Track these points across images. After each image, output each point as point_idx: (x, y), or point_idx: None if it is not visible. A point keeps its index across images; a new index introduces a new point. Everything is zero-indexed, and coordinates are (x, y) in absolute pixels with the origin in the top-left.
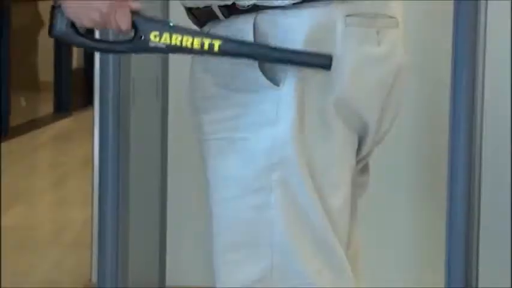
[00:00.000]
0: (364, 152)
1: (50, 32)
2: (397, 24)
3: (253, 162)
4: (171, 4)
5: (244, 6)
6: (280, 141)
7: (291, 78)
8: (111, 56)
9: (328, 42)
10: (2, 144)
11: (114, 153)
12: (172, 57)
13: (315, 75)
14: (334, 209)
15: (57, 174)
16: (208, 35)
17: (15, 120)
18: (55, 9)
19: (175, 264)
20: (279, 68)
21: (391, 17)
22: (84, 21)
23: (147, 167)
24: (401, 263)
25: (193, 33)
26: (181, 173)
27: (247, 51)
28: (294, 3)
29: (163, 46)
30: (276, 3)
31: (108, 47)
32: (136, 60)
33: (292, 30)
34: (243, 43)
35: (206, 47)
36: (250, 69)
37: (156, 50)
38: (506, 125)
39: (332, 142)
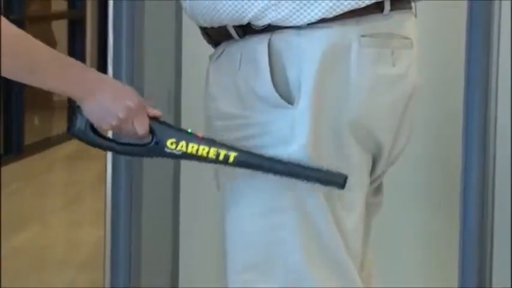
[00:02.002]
0: (378, 172)
1: (69, 130)
2: (411, 45)
3: (268, 182)
4: (185, 23)
5: (259, 26)
6: (294, 160)
7: (305, 98)
8: (123, 73)
9: (342, 62)
10: (16, 163)
11: (127, 172)
12: (186, 72)
13: (329, 95)
14: (348, 230)
15: (70, 193)
16: (224, 146)
17: (29, 139)
18: (75, 109)
19: (189, 281)
20: (294, 87)
21: (405, 38)
22: (102, 124)
23: (159, 185)
24: (413, 267)
25: (209, 143)
26: (194, 188)
27: (262, 165)
28: (308, 24)
29: (179, 153)
30: (291, 24)
31: (124, 149)
32: (149, 75)
33: (307, 50)
34: (258, 156)
35: (221, 157)
36: (265, 89)
37: (171, 155)
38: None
39: (346, 162)
